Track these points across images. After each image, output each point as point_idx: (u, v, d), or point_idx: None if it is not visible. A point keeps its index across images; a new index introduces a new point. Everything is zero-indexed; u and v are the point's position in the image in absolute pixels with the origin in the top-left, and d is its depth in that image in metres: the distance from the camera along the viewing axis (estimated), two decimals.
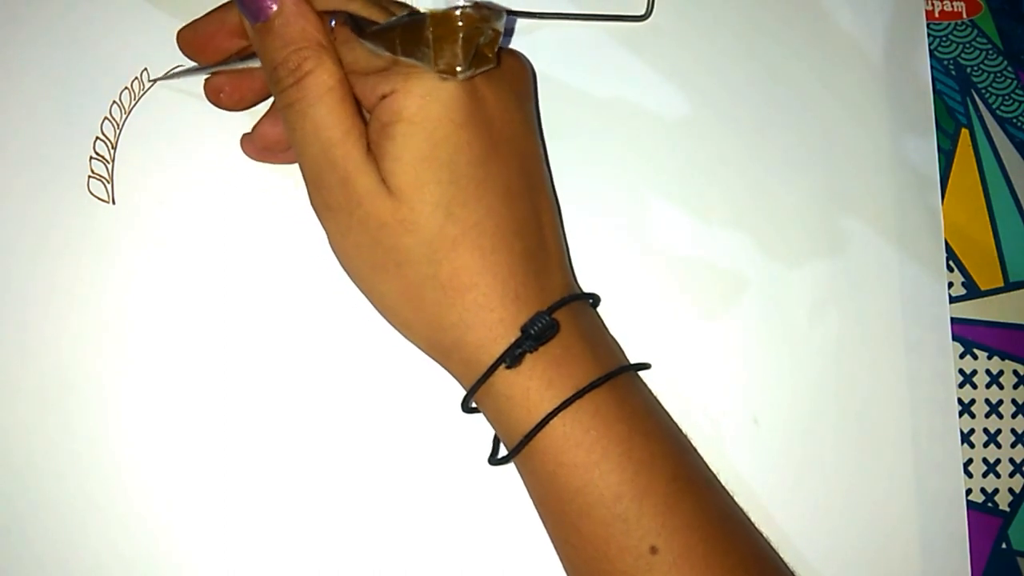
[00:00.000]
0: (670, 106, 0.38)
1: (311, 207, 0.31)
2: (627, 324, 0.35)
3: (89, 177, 0.36)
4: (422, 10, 0.28)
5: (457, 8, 0.28)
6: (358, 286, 0.32)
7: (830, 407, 0.37)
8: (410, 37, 0.28)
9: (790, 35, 0.39)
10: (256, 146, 0.35)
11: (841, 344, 0.37)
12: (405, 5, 0.33)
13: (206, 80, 0.34)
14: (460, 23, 0.28)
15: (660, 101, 0.38)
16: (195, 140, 0.36)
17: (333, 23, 0.30)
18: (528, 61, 0.34)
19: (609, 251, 0.37)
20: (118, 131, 0.36)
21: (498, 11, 0.29)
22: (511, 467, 0.32)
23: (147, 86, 0.36)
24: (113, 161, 0.36)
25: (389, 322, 0.32)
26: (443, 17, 0.28)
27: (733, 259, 0.37)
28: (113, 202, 0.36)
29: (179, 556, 0.34)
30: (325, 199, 0.30)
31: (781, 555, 0.34)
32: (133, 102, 0.36)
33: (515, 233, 0.31)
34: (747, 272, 0.37)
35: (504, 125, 0.31)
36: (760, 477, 0.36)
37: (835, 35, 0.39)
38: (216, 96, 0.34)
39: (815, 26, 0.39)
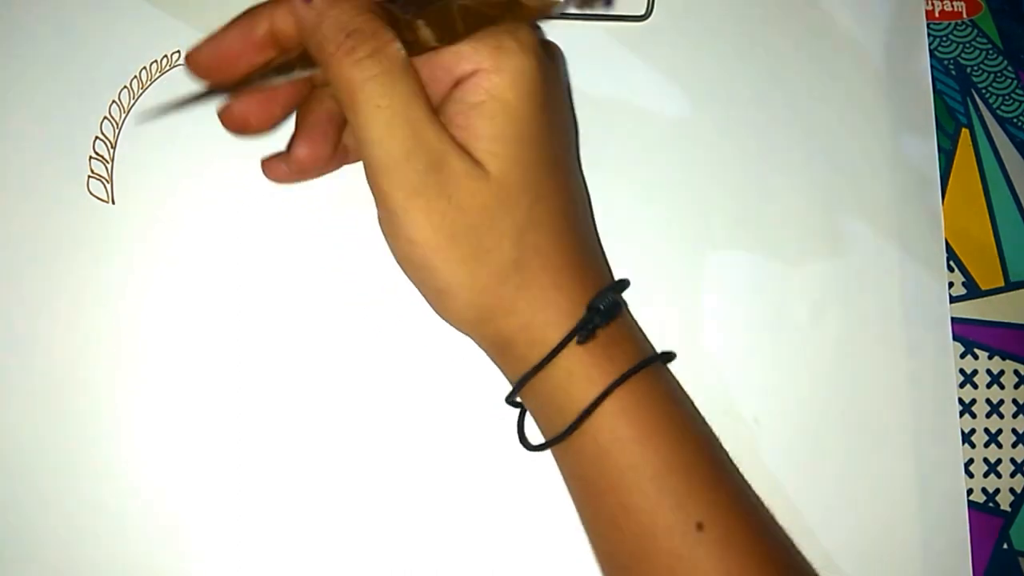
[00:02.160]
0: (670, 106, 0.38)
1: (386, 197, 0.28)
2: None
3: (89, 177, 0.36)
4: None
5: None
6: (430, 283, 0.29)
7: (830, 407, 0.37)
8: None
9: (790, 35, 0.39)
10: (294, 169, 0.31)
11: (841, 344, 0.37)
12: None
13: (223, 108, 0.30)
14: None
15: (660, 101, 0.38)
16: (195, 140, 0.36)
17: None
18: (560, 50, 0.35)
19: (607, 251, 0.37)
20: (118, 131, 0.36)
21: None
22: (510, 469, 0.32)
23: (149, 82, 0.36)
24: (113, 161, 0.36)
25: (448, 316, 0.30)
26: None
27: (733, 259, 0.37)
28: (113, 202, 0.36)
29: (182, 558, 0.34)
30: (413, 185, 0.27)
31: None
32: (133, 102, 0.36)
33: (578, 217, 0.31)
34: (747, 272, 0.37)
35: (559, 108, 0.32)
36: (760, 477, 0.36)
37: (835, 35, 0.39)
38: (243, 124, 0.30)
39: (815, 26, 0.39)
